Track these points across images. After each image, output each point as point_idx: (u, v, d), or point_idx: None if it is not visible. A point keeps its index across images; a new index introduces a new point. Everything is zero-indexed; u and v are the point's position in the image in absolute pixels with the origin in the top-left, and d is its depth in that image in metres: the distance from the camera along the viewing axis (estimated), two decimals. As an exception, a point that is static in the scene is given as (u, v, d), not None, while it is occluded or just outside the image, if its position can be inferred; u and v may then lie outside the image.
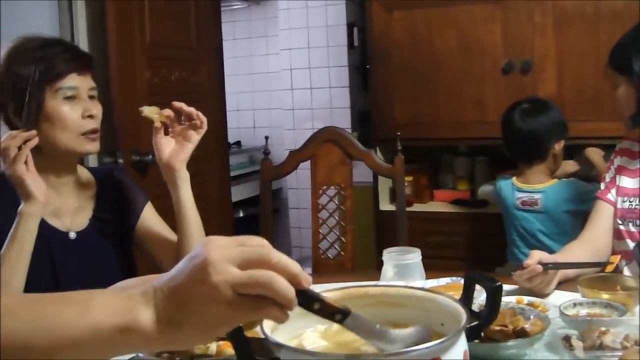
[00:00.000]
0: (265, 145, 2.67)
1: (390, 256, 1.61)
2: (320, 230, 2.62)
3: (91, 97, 1.80)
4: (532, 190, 2.83)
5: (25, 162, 1.60)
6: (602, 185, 2.13)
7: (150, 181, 2.67)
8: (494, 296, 1.12)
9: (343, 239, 2.61)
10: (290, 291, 0.82)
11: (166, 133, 1.83)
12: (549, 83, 3.30)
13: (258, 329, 1.01)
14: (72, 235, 1.81)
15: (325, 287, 1.17)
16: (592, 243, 2.03)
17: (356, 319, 0.92)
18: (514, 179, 2.91)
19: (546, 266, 1.67)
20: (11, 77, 1.70)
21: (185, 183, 1.84)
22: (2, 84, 1.71)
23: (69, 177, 1.83)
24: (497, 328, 1.32)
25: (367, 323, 0.94)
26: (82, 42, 2.88)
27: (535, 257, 1.68)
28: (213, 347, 1.33)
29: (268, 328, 1.01)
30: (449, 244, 3.48)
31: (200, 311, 0.81)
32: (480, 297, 1.29)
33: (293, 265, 0.83)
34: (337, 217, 2.65)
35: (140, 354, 1.31)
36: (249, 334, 1.01)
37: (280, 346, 0.96)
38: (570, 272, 1.81)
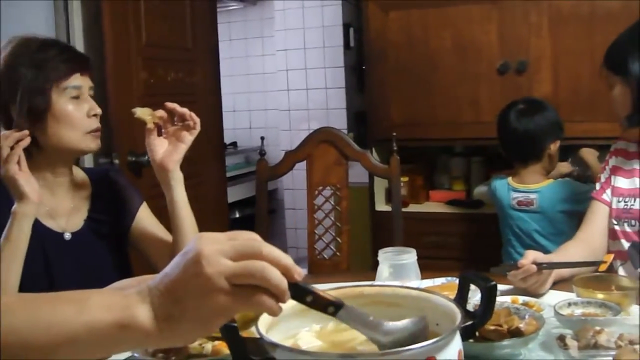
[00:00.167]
0: (261, 145, 2.67)
1: (385, 256, 1.61)
2: (316, 231, 2.62)
3: (91, 97, 1.81)
4: (527, 190, 2.83)
5: (18, 162, 1.60)
6: (598, 186, 2.13)
7: (146, 182, 2.67)
8: (489, 296, 1.12)
9: (339, 239, 2.61)
10: (283, 282, 0.83)
11: (159, 134, 1.83)
12: (544, 83, 3.31)
13: (253, 329, 1.01)
14: (67, 236, 1.81)
15: (321, 288, 1.17)
16: (588, 243, 2.03)
17: (349, 311, 0.93)
18: (510, 179, 2.91)
19: (540, 266, 1.67)
20: (17, 78, 1.69)
21: (178, 184, 1.84)
22: (6, 85, 1.70)
23: (65, 178, 1.83)
24: (492, 327, 1.32)
25: (360, 315, 0.95)
26: (78, 43, 2.88)
27: (530, 257, 1.68)
28: (208, 347, 1.33)
29: (263, 328, 1.01)
30: (445, 244, 3.49)
31: (196, 304, 0.82)
32: (475, 296, 1.30)
33: (285, 258, 0.85)
34: (332, 218, 2.65)
35: (136, 354, 1.31)
36: (244, 334, 1.01)
37: (275, 346, 0.96)
38: (565, 272, 1.82)
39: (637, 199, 2.00)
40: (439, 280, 1.79)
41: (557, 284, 1.78)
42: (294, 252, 4.67)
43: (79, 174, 1.91)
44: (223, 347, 1.31)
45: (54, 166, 1.80)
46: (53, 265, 1.75)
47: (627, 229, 2.00)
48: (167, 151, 1.82)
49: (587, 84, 3.16)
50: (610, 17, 3.11)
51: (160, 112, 1.80)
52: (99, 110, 1.80)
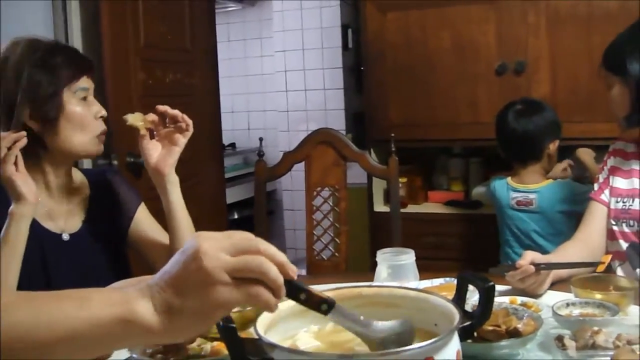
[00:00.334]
0: (259, 146, 2.67)
1: (384, 257, 1.62)
2: (315, 232, 2.63)
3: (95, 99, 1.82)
4: (527, 190, 2.84)
5: (15, 163, 1.60)
6: (596, 186, 2.13)
7: (145, 183, 2.65)
8: (487, 296, 1.12)
9: (337, 240, 2.61)
10: (280, 277, 0.85)
11: (152, 137, 1.83)
12: (542, 84, 3.31)
13: (252, 329, 1.01)
14: (66, 237, 1.81)
15: (320, 288, 1.17)
16: (586, 244, 2.03)
17: (341, 309, 0.95)
18: (509, 179, 2.92)
19: (539, 266, 1.68)
20: (29, 82, 1.69)
21: (174, 187, 1.84)
22: (16, 88, 1.69)
23: (65, 179, 1.84)
24: (490, 328, 1.32)
25: (351, 314, 0.97)
26: (77, 43, 2.88)
27: (528, 258, 1.68)
28: (207, 347, 1.34)
29: (262, 328, 1.02)
30: (443, 245, 3.49)
31: (197, 297, 0.83)
32: (473, 297, 1.30)
33: (280, 255, 0.87)
34: (331, 219, 2.65)
35: (135, 355, 1.31)
36: (242, 334, 1.02)
37: (273, 346, 0.96)
38: (564, 273, 1.82)
39: (636, 200, 2.00)
40: (437, 281, 1.79)
41: (555, 285, 1.78)
42: (292, 253, 4.67)
43: (77, 175, 1.91)
44: (222, 348, 1.31)
45: (57, 168, 1.80)
46: (51, 266, 1.75)
47: (626, 229, 2.00)
48: (161, 155, 1.82)
49: (585, 85, 3.17)
50: (608, 18, 3.12)
51: (152, 116, 1.80)
52: (104, 113, 1.81)
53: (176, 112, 1.81)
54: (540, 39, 3.30)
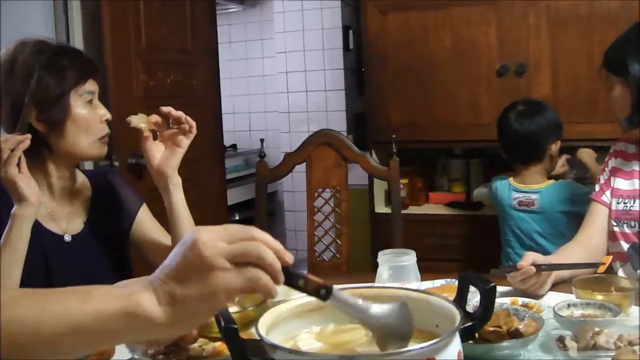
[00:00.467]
0: (260, 148, 2.67)
1: (385, 258, 1.62)
2: (316, 233, 2.63)
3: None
4: (528, 190, 2.84)
5: (18, 165, 1.60)
6: (597, 187, 2.13)
7: (146, 184, 2.66)
8: (488, 297, 1.12)
9: (338, 241, 2.61)
10: (277, 261, 0.88)
11: (155, 138, 1.83)
12: (543, 85, 3.31)
13: (253, 330, 1.01)
14: (68, 238, 1.81)
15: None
16: (587, 245, 2.03)
17: (340, 294, 0.96)
18: (511, 179, 2.92)
19: (539, 267, 1.68)
20: (37, 85, 1.69)
21: (177, 188, 1.84)
22: (23, 90, 1.69)
23: (68, 181, 1.84)
24: (491, 329, 1.33)
25: (350, 298, 0.98)
26: (78, 44, 2.89)
27: (529, 259, 1.68)
28: (208, 348, 1.34)
29: (263, 329, 1.02)
30: (445, 246, 3.49)
31: (198, 282, 0.85)
32: (475, 298, 1.30)
33: (275, 242, 0.90)
34: (332, 220, 2.65)
35: (136, 356, 1.32)
36: (243, 335, 1.02)
37: (275, 347, 0.96)
38: (565, 274, 1.82)
39: (637, 200, 2.00)
40: (439, 282, 1.79)
41: (557, 286, 1.78)
42: (293, 254, 4.61)
43: (79, 176, 1.91)
44: (223, 349, 1.31)
45: (60, 169, 1.81)
46: (53, 267, 1.76)
47: (627, 230, 2.00)
48: (164, 156, 1.82)
49: (586, 86, 3.17)
50: (608, 18, 3.12)
51: (155, 118, 1.80)
52: (109, 116, 1.82)
53: (180, 113, 1.81)
54: (541, 40, 3.30)
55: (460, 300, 1.18)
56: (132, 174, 2.84)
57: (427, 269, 1.71)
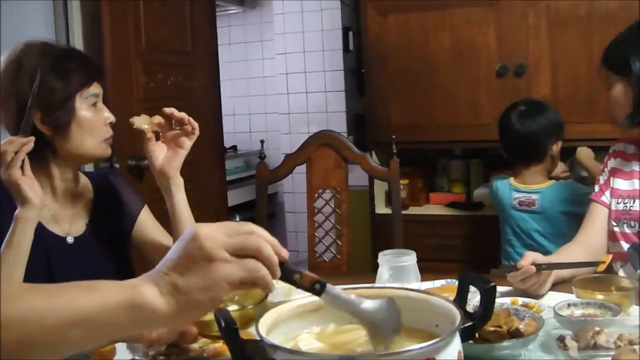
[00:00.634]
0: (260, 149, 2.67)
1: (385, 258, 1.62)
2: (316, 234, 2.63)
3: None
4: (529, 190, 2.84)
5: (22, 167, 1.61)
6: (597, 188, 2.14)
7: (147, 186, 2.67)
8: (488, 297, 1.12)
9: (339, 242, 2.62)
10: (275, 257, 0.91)
11: (157, 138, 1.83)
12: (543, 86, 3.31)
13: (253, 330, 1.02)
14: (70, 240, 1.82)
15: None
16: (587, 245, 2.03)
17: (334, 290, 0.99)
18: (512, 179, 2.92)
19: (540, 267, 1.68)
20: (43, 88, 1.69)
21: (179, 189, 1.85)
22: (28, 92, 1.69)
23: (71, 183, 1.85)
24: (492, 329, 1.33)
25: (343, 294, 1.00)
26: (78, 45, 2.89)
27: (529, 258, 1.68)
28: (209, 348, 1.34)
29: (263, 330, 1.02)
30: (445, 246, 3.49)
31: (200, 273, 0.88)
32: (475, 298, 1.30)
33: (272, 238, 0.93)
34: (332, 221, 2.66)
35: (137, 357, 1.32)
36: (243, 334, 1.02)
37: (275, 348, 0.96)
38: (565, 273, 1.82)
39: (637, 200, 2.00)
40: (439, 282, 1.79)
41: (557, 285, 1.79)
42: (294, 255, 4.67)
43: (81, 178, 1.92)
44: (224, 350, 1.32)
45: (64, 172, 1.81)
46: (55, 269, 1.76)
47: (627, 230, 2.00)
48: (167, 157, 1.83)
49: (586, 86, 3.17)
50: (608, 18, 3.12)
51: (158, 119, 1.80)
52: (113, 119, 1.82)
53: (182, 114, 1.81)
54: (541, 41, 3.30)
55: (461, 300, 1.18)
56: (132, 176, 2.84)
57: (427, 270, 1.71)
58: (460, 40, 3.45)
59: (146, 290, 0.89)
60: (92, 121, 1.77)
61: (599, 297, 1.56)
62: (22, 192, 1.60)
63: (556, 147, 2.83)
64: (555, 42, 3.28)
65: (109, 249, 1.89)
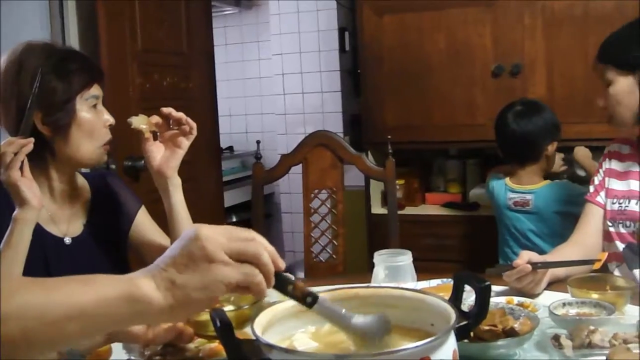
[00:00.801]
0: (257, 149, 2.67)
1: (381, 258, 1.62)
2: (312, 234, 2.63)
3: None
4: (524, 190, 2.85)
5: (21, 168, 1.61)
6: (592, 188, 2.14)
7: (143, 187, 2.67)
8: (483, 296, 1.13)
9: (335, 242, 2.62)
10: (271, 266, 0.93)
11: (155, 138, 1.84)
12: (538, 86, 3.32)
13: (249, 330, 1.02)
14: (68, 240, 1.82)
15: (316, 290, 1.18)
16: (582, 245, 2.03)
17: (325, 303, 1.00)
18: (507, 179, 2.93)
19: (535, 265, 1.68)
20: (45, 89, 1.69)
21: (177, 189, 1.85)
22: (28, 92, 1.69)
23: (69, 184, 1.85)
24: (487, 328, 1.33)
25: (334, 308, 1.02)
26: (73, 46, 2.88)
27: (525, 257, 1.69)
28: (205, 348, 1.34)
29: (259, 329, 1.02)
30: (441, 246, 3.50)
31: (198, 271, 0.90)
32: (470, 297, 1.30)
33: (270, 247, 0.95)
34: (329, 221, 2.66)
35: (132, 357, 1.32)
36: (239, 334, 1.02)
37: (271, 347, 0.97)
38: (560, 273, 1.82)
39: (632, 201, 2.01)
40: (435, 282, 1.80)
41: (552, 285, 1.79)
42: (291, 256, 4.66)
43: (78, 179, 1.92)
44: (220, 350, 1.32)
45: (62, 173, 1.82)
46: (53, 269, 1.76)
47: (622, 230, 2.01)
48: (165, 157, 1.83)
49: (581, 86, 3.18)
50: (603, 19, 3.12)
51: (156, 119, 1.81)
52: (113, 121, 1.83)
53: (180, 114, 1.82)
54: (536, 41, 3.31)
55: (456, 299, 1.19)
56: (128, 177, 2.84)
57: (423, 270, 1.71)
58: (456, 41, 3.46)
59: (144, 283, 0.90)
60: (92, 123, 1.77)
61: (594, 296, 1.56)
62: (20, 193, 1.60)
63: (552, 148, 2.84)
64: (551, 43, 3.29)
65: (107, 250, 1.89)
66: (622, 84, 1.95)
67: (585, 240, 2.06)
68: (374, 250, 1.67)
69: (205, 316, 1.34)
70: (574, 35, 3.23)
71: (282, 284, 0.96)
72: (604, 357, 1.18)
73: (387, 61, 3.60)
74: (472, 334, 1.29)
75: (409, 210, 3.67)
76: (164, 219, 1.89)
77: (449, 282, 1.76)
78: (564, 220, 2.73)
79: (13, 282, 0.91)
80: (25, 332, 0.88)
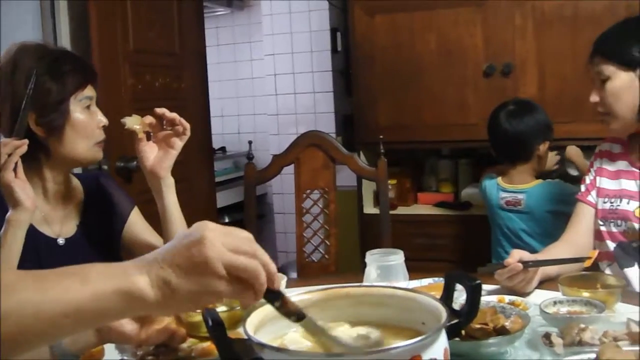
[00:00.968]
0: (249, 150, 2.67)
1: (373, 258, 1.63)
2: (305, 234, 2.63)
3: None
4: (515, 190, 2.85)
5: (15, 169, 1.61)
6: (583, 188, 2.14)
7: (135, 187, 2.67)
8: (474, 294, 1.13)
9: (327, 242, 2.62)
10: (265, 285, 0.93)
11: (148, 139, 1.84)
12: (529, 85, 3.33)
13: (241, 329, 1.02)
14: (61, 241, 1.82)
15: (308, 289, 1.18)
16: (574, 244, 2.04)
17: (310, 322, 1.01)
18: (499, 179, 2.93)
19: (526, 264, 1.69)
20: (38, 90, 1.70)
21: (170, 189, 1.85)
22: (23, 93, 1.69)
23: (62, 185, 1.85)
24: (478, 326, 1.33)
25: (320, 327, 1.02)
26: (65, 46, 2.88)
27: (516, 256, 1.69)
28: (197, 348, 1.34)
29: (251, 329, 1.02)
30: (434, 246, 3.50)
31: (193, 280, 0.89)
32: (461, 296, 1.31)
33: (272, 266, 0.94)
34: (321, 221, 2.66)
35: (125, 357, 1.32)
36: (232, 334, 1.02)
37: (263, 346, 0.97)
38: (551, 271, 1.83)
39: (623, 199, 2.01)
40: (426, 281, 1.80)
41: (543, 283, 1.80)
42: (283, 256, 4.66)
43: (72, 180, 1.92)
44: (212, 349, 1.32)
45: (56, 174, 1.82)
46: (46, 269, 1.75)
47: (613, 229, 2.01)
48: (158, 158, 1.83)
49: (572, 86, 3.18)
50: (593, 19, 3.13)
51: (149, 119, 1.81)
52: (106, 122, 1.83)
53: (174, 115, 1.82)
54: (527, 41, 3.32)
55: (447, 297, 1.19)
56: (120, 178, 2.84)
57: (416, 269, 1.72)
58: (447, 41, 3.47)
59: (139, 279, 0.90)
60: (85, 124, 1.77)
61: (585, 294, 1.57)
62: (14, 194, 1.60)
63: (544, 147, 2.85)
64: (542, 43, 3.30)
65: (100, 250, 1.89)
66: (621, 79, 1.93)
67: (577, 240, 2.07)
68: (366, 250, 1.68)
69: (198, 317, 1.34)
70: (564, 36, 3.24)
71: (270, 298, 0.97)
72: (594, 355, 1.19)
73: (378, 61, 3.60)
74: (463, 332, 1.30)
75: (401, 210, 3.68)
76: (157, 220, 1.89)
77: (440, 281, 1.76)
78: (555, 219, 2.73)
79: (8, 277, 0.91)
80: (22, 330, 0.88)
